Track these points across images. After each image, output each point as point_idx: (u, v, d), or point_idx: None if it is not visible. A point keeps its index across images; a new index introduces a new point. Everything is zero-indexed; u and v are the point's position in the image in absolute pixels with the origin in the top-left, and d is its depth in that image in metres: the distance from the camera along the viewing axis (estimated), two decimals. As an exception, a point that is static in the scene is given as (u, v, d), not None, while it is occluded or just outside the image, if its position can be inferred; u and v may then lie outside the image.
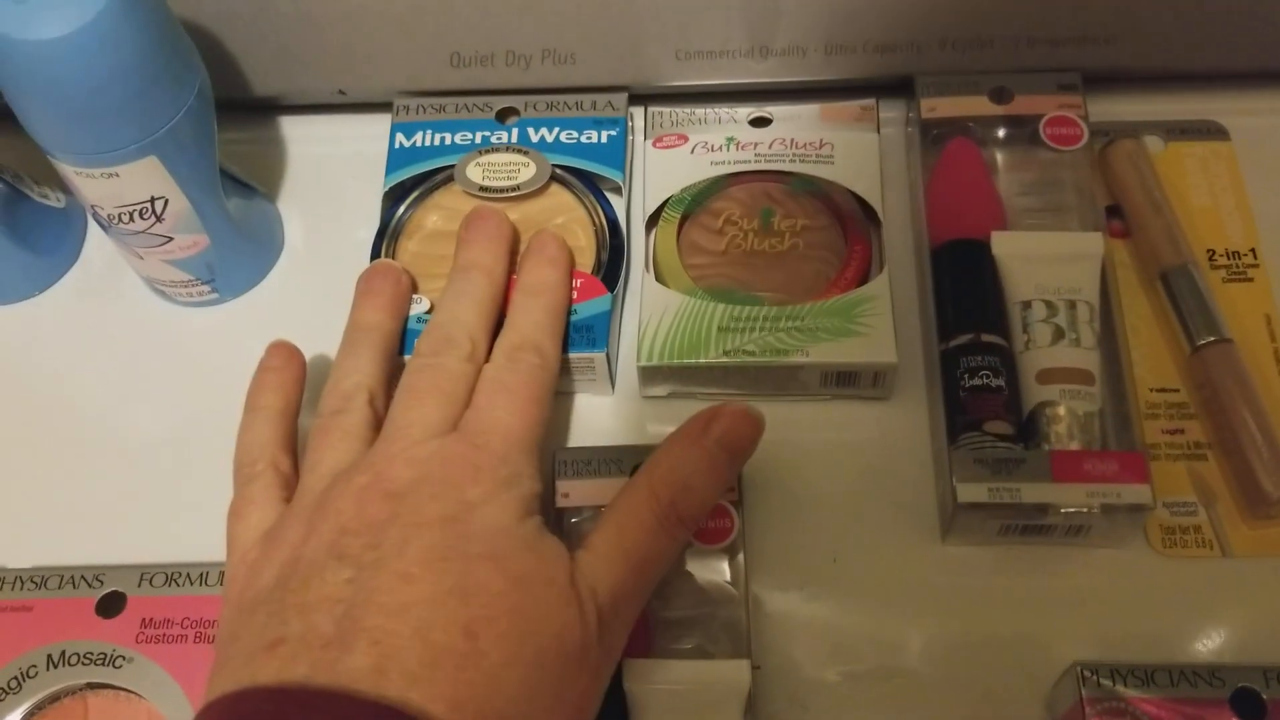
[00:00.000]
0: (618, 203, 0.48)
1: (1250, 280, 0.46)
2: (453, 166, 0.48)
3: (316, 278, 0.49)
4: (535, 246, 0.43)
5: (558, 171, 0.48)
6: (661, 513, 0.35)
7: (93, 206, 0.44)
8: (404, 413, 0.37)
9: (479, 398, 0.38)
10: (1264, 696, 0.35)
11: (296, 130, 0.53)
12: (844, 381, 0.43)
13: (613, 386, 0.46)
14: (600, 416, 0.45)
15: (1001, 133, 0.47)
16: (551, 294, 0.42)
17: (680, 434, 0.37)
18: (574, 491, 0.41)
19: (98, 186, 0.42)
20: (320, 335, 0.44)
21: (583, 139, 0.48)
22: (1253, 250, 0.46)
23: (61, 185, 0.49)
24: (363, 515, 0.34)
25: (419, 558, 0.32)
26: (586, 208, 0.47)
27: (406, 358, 0.42)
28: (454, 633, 0.31)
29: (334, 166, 0.52)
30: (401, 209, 0.48)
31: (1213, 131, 0.49)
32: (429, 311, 0.44)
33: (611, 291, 0.44)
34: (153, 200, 0.43)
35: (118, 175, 0.41)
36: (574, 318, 0.44)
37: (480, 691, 0.30)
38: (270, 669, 0.30)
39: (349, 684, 0.29)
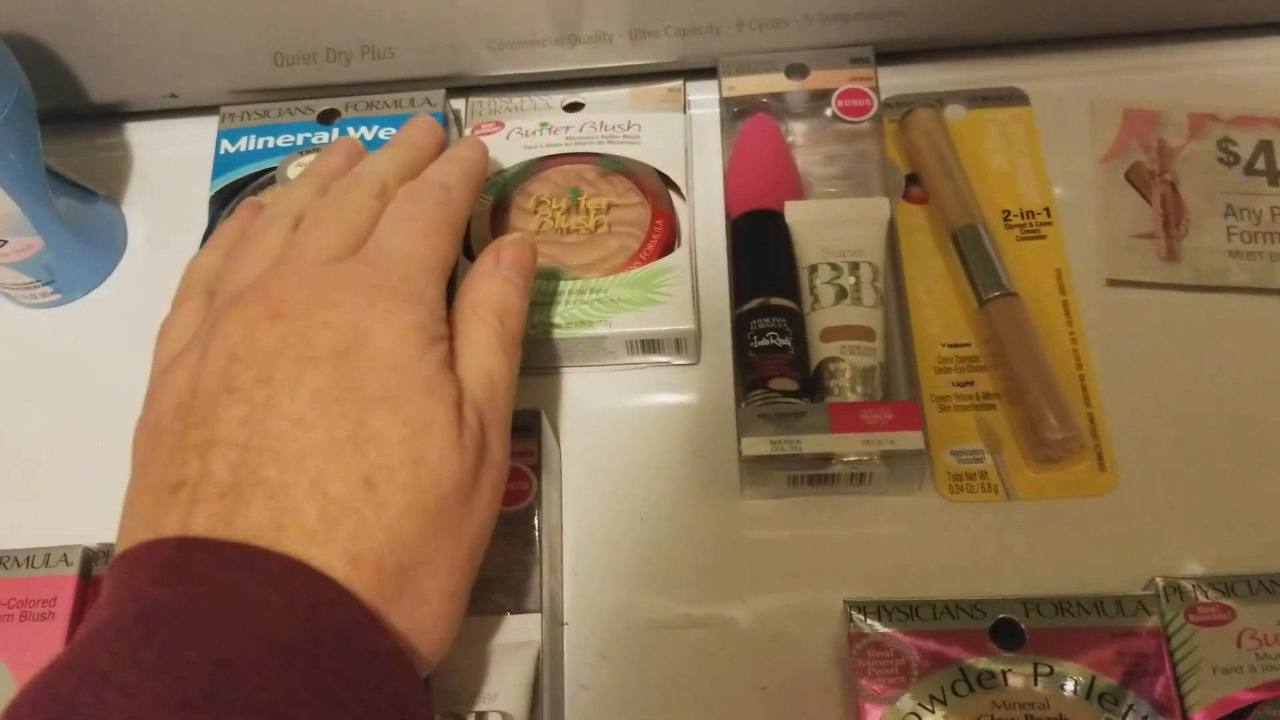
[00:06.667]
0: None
1: (1043, 238, 0.48)
2: (275, 169, 0.49)
3: (159, 277, 0.49)
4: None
5: (379, 165, 0.49)
6: (502, 334, 0.36)
7: (-75, 214, 0.45)
8: (303, 235, 0.36)
9: (380, 226, 0.36)
10: (1023, 626, 0.37)
11: (140, 135, 0.55)
12: (649, 348, 0.45)
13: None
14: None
15: (800, 107, 0.49)
16: (466, 158, 0.41)
17: (478, 270, 0.38)
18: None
19: (-76, 194, 0.44)
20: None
21: (403, 134, 0.50)
22: (1046, 209, 0.48)
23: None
24: (252, 340, 0.33)
25: (311, 400, 0.31)
26: (409, 198, 0.49)
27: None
28: (352, 484, 0.31)
29: (175, 169, 0.54)
30: (225, 212, 0.49)
31: (1014, 97, 0.51)
32: None
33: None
34: (-21, 206, 0.45)
35: (-60, 183, 0.43)
36: None
37: (379, 544, 0.30)
38: (174, 516, 0.30)
39: (249, 539, 0.29)
